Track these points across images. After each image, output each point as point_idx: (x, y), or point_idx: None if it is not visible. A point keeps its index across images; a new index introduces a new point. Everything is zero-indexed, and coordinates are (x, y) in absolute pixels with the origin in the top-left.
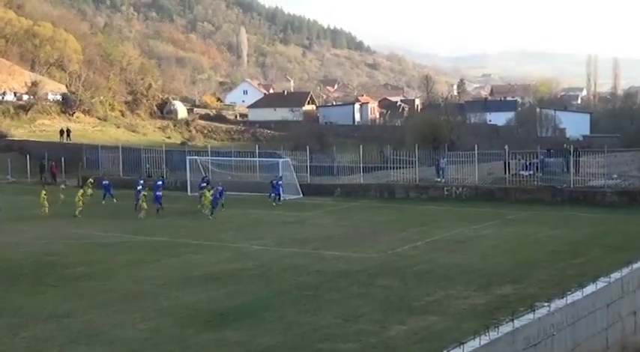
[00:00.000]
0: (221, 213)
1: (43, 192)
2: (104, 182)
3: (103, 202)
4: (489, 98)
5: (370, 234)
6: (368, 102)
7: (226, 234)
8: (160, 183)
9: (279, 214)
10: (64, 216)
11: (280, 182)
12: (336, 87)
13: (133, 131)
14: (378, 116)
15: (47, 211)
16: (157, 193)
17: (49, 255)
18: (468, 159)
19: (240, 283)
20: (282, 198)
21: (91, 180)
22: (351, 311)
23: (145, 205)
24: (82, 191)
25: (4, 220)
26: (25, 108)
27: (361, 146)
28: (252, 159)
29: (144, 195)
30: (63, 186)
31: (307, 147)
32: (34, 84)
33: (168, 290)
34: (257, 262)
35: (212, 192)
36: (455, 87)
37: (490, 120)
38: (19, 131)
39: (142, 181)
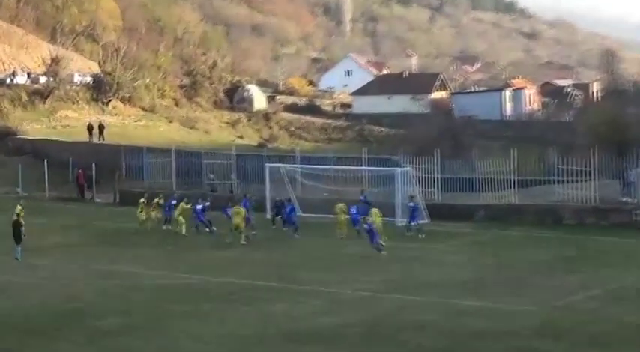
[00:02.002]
0: (304, 245)
1: (19, 207)
2: (173, 201)
3: (164, 227)
4: None
5: (525, 278)
6: (523, 88)
7: (317, 274)
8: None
9: (394, 246)
10: (90, 245)
11: (412, 204)
12: (477, 66)
13: (191, 127)
14: (538, 107)
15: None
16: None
17: (73, 301)
18: None
19: (337, 345)
20: (415, 224)
21: (159, 200)
22: None
23: (242, 224)
24: (182, 205)
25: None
26: (42, 94)
27: (513, 150)
28: (357, 167)
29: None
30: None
31: (436, 152)
32: (55, 61)
33: None
34: (361, 315)
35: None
36: None
37: None
38: (33, 126)
39: (207, 204)
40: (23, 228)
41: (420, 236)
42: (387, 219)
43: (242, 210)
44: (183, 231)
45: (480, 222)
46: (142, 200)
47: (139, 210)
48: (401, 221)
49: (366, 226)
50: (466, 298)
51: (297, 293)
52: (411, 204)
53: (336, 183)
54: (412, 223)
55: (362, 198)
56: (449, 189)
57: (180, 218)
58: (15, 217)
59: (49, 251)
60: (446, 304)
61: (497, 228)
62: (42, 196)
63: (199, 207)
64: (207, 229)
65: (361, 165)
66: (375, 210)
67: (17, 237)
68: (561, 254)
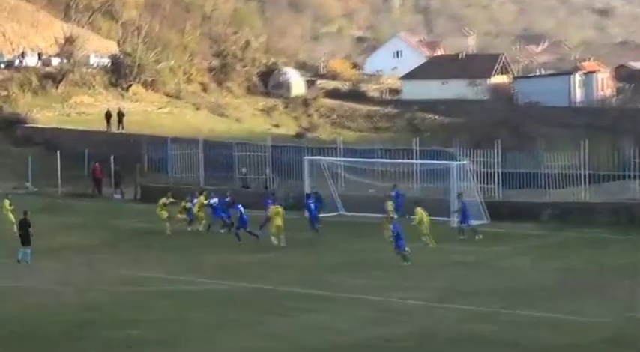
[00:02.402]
0: (347, 247)
1: (7, 202)
2: (195, 200)
3: (189, 229)
4: None
5: (597, 285)
6: (595, 71)
7: (361, 281)
8: (270, 201)
9: (447, 249)
10: (107, 247)
11: (460, 202)
12: (543, 46)
13: (221, 115)
14: (611, 93)
15: (16, 230)
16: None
17: (87, 309)
18: None
19: None
20: (467, 225)
21: (186, 203)
22: None
23: (277, 222)
24: (201, 199)
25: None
26: (55, 78)
27: (584, 141)
28: (407, 161)
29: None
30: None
31: (497, 143)
32: (70, 41)
33: None
34: (411, 327)
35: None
36: None
37: None
38: (45, 114)
39: (227, 199)
40: (31, 228)
41: (476, 237)
42: (441, 218)
43: (281, 209)
44: (201, 227)
45: (546, 223)
46: (163, 199)
47: (159, 208)
48: (457, 221)
49: (392, 227)
50: (530, 308)
51: (338, 302)
52: (465, 201)
53: (384, 179)
54: (463, 224)
55: (394, 193)
56: (511, 185)
57: (200, 213)
58: (22, 215)
59: (61, 253)
60: (507, 314)
61: (566, 228)
62: (54, 192)
63: (213, 200)
64: (225, 228)
65: (412, 158)
66: (419, 209)
67: (25, 238)
68: (637, 258)
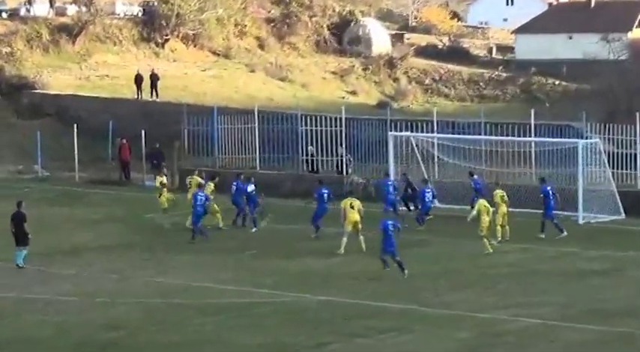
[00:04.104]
0: (442, 249)
1: None
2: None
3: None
4: None
5: None
6: None
7: (461, 294)
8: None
9: (569, 254)
10: (135, 248)
11: (549, 188)
12: None
13: (283, 79)
14: None
15: None
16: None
17: (111, 328)
18: None
19: None
20: (549, 218)
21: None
22: None
23: (354, 217)
24: (211, 187)
25: (28, 257)
26: (70, 31)
27: None
28: (521, 139)
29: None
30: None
31: (637, 116)
32: None
33: None
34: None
35: None
36: None
37: None
38: (58, 77)
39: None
40: (26, 224)
41: (561, 233)
42: (564, 213)
43: (358, 202)
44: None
45: None
46: (160, 178)
47: (158, 193)
48: (584, 216)
49: (390, 224)
50: None
51: (430, 320)
52: (550, 189)
53: (491, 161)
54: (547, 217)
55: (477, 183)
56: None
57: (214, 205)
58: (16, 207)
59: (78, 255)
60: None
61: None
62: (70, 177)
63: (250, 188)
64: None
65: (527, 136)
66: (499, 192)
67: (20, 237)
68: None
